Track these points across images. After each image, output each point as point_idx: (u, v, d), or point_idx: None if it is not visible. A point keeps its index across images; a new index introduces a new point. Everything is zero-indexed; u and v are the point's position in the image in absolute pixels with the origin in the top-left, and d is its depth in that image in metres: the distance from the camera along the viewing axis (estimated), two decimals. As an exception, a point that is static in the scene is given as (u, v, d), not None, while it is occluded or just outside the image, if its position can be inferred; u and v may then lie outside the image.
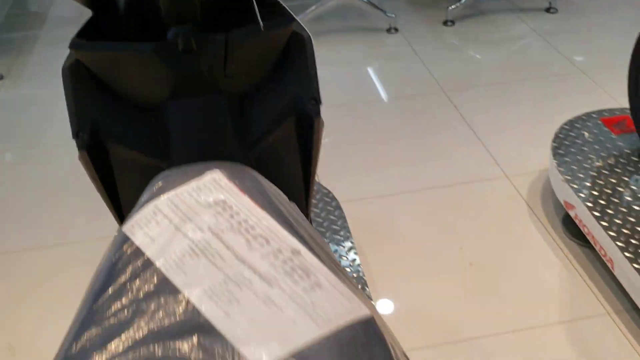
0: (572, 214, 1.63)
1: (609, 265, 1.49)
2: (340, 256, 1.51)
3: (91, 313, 0.43)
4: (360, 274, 1.47)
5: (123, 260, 0.47)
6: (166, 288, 0.44)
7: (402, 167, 2.02)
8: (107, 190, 0.91)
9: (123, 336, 0.41)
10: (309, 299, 0.44)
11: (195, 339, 0.40)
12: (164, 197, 0.52)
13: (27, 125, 2.38)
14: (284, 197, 0.61)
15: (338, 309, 0.43)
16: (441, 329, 1.48)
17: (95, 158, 0.87)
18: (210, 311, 0.42)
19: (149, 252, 0.47)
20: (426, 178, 1.96)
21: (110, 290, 0.45)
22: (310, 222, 1.16)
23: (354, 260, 1.51)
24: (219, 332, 0.40)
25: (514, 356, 1.40)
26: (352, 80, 2.59)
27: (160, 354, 0.39)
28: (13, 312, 1.59)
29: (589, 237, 1.56)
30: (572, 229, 1.70)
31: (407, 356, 0.48)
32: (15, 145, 2.28)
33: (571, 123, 1.83)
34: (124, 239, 0.49)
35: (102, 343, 0.40)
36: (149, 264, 0.46)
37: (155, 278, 0.45)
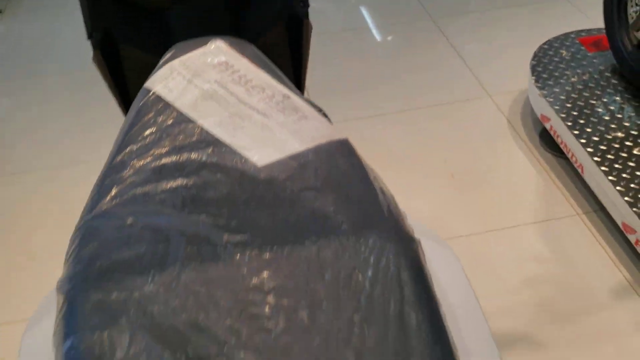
0: (547, 126, 1.75)
1: (579, 170, 1.61)
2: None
3: (125, 141, 0.55)
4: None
5: (147, 105, 0.58)
6: (183, 120, 0.56)
7: (391, 90, 2.12)
8: (119, 89, 1.02)
9: (152, 151, 0.53)
10: (296, 127, 0.55)
11: (209, 149, 0.52)
12: (176, 60, 0.63)
13: (26, 57, 2.46)
14: (277, 69, 0.71)
15: (319, 132, 0.55)
16: (428, 228, 1.61)
17: (108, 58, 0.97)
18: (219, 133, 0.54)
19: (168, 98, 0.58)
20: (413, 99, 2.07)
21: (138, 125, 0.56)
22: None
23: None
24: (227, 144, 0.52)
25: (491, 252, 1.54)
26: (340, 9, 2.67)
27: (182, 159, 0.51)
28: (32, 219, 1.72)
29: (562, 147, 1.69)
30: (548, 142, 1.82)
31: (391, 194, 0.58)
32: (15, 78, 2.37)
33: (550, 43, 1.93)
34: (146, 92, 0.60)
35: (138, 155, 0.52)
36: (168, 105, 0.58)
37: (174, 113, 0.56)
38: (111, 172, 0.52)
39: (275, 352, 0.38)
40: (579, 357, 1.30)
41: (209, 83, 0.60)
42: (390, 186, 1.84)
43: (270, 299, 0.40)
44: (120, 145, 0.55)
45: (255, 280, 0.41)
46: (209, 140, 0.53)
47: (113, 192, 0.49)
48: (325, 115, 0.62)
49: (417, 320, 0.38)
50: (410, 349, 0.37)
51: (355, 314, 0.39)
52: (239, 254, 0.42)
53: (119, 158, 0.53)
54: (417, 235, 0.56)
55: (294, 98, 0.59)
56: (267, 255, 0.42)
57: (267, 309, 0.39)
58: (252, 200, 0.47)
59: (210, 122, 0.55)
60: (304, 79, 1.20)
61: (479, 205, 1.67)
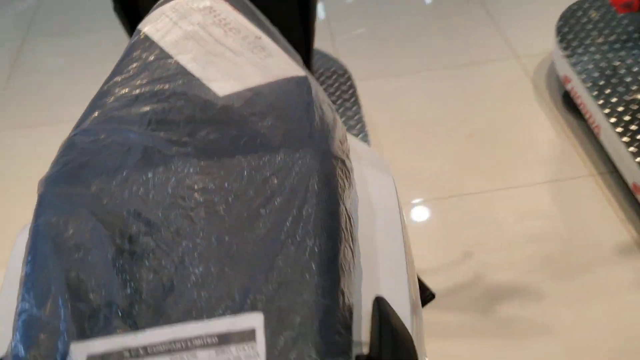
0: (568, 87, 1.75)
1: (595, 132, 1.62)
2: (350, 126, 1.68)
3: (113, 73, 0.63)
4: (366, 136, 1.65)
5: (136, 43, 0.66)
6: (164, 57, 0.63)
7: (415, 49, 2.14)
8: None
9: (132, 82, 0.61)
10: (262, 63, 0.62)
11: (180, 81, 0.59)
12: (167, 5, 0.70)
13: (65, 16, 2.59)
14: (266, 19, 0.78)
15: (281, 69, 0.62)
16: (438, 186, 1.66)
17: (127, 9, 1.05)
18: (192, 67, 0.61)
19: (155, 37, 0.66)
20: (437, 59, 2.09)
21: (126, 60, 0.64)
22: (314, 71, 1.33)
23: (362, 128, 1.68)
24: (197, 77, 0.60)
25: (500, 209, 1.58)
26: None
27: (155, 89, 0.59)
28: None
29: (580, 108, 1.69)
30: (570, 105, 1.82)
31: (332, 121, 0.64)
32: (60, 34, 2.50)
33: (579, 3, 1.91)
34: (137, 32, 0.68)
35: (120, 85, 0.60)
36: (153, 44, 0.65)
37: (157, 51, 0.64)
38: (97, 99, 0.60)
39: (193, 233, 0.46)
40: (571, 311, 1.34)
41: (192, 25, 0.67)
42: (406, 144, 1.89)
43: (197, 195, 0.48)
44: (109, 77, 0.63)
45: (188, 182, 0.49)
46: (181, 74, 0.60)
47: (95, 114, 0.57)
48: (306, 62, 0.68)
49: (313, 234, 0.45)
50: (299, 241, 0.44)
51: (262, 208, 0.46)
52: (181, 162, 0.50)
53: (105, 87, 0.61)
54: (360, 160, 0.62)
55: (265, 39, 0.66)
56: (203, 163, 0.50)
57: (192, 203, 0.48)
58: (207, 122, 0.55)
59: (186, 58, 0.63)
60: (313, 31, 1.25)
61: (494, 164, 1.70)
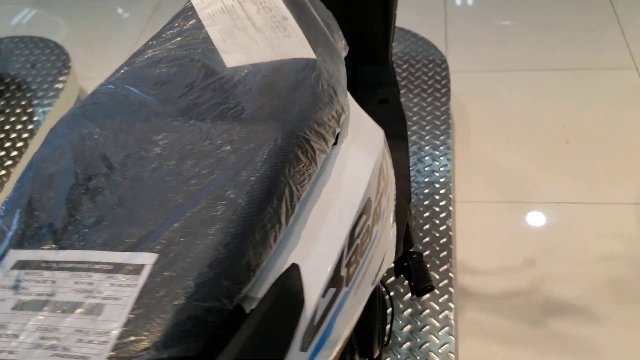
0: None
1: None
2: (434, 116, 1.68)
3: (154, 37, 0.72)
4: (448, 128, 1.64)
5: (182, 11, 0.75)
6: (197, 26, 0.71)
7: (530, 45, 2.06)
8: None
9: (163, 46, 0.69)
10: (277, 42, 0.68)
11: (200, 49, 0.67)
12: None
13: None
14: (326, 12, 0.82)
15: (293, 50, 0.67)
16: (520, 189, 1.62)
17: None
18: (215, 39, 0.69)
19: (197, 7, 0.74)
20: (551, 59, 2.00)
21: (167, 26, 0.73)
22: (392, 65, 1.35)
23: (446, 120, 1.68)
24: (216, 47, 0.67)
25: (582, 223, 1.52)
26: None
27: (177, 54, 0.67)
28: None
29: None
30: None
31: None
32: None
33: None
34: (187, 1, 0.77)
35: (153, 47, 0.69)
36: (194, 13, 0.73)
37: (194, 20, 0.72)
38: (131, 57, 0.70)
39: (137, 180, 0.53)
40: (627, 338, 1.27)
41: (233, 1, 0.74)
42: (497, 141, 1.84)
43: (157, 149, 0.55)
44: (150, 38, 0.73)
45: (156, 136, 0.56)
46: (205, 43, 0.68)
47: (122, 70, 0.67)
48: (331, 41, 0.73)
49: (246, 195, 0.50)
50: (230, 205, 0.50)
51: (206, 170, 0.53)
52: (160, 119, 0.58)
53: (142, 47, 0.70)
54: (354, 143, 0.66)
55: (290, 21, 0.71)
56: (177, 123, 0.57)
57: (150, 154, 0.55)
58: (202, 88, 0.62)
59: (214, 29, 0.70)
60: (393, 18, 1.27)
61: (584, 176, 1.63)
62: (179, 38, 0.70)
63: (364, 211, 0.61)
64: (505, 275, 1.45)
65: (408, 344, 1.22)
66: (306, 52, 0.67)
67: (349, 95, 0.83)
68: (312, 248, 0.55)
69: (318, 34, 0.74)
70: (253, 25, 0.70)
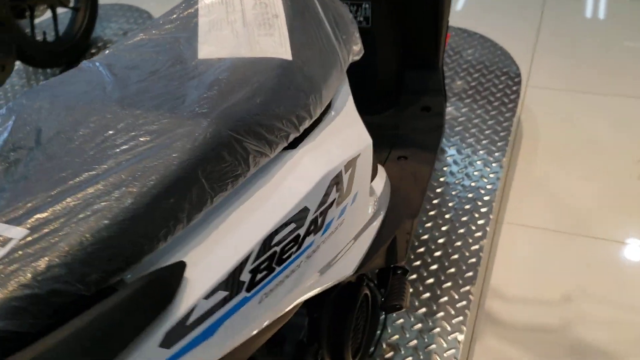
0: None
1: None
2: (494, 131, 1.60)
3: (157, 20, 0.75)
4: (505, 145, 1.56)
5: (187, 1, 0.77)
6: (193, 15, 0.73)
7: (609, 69, 1.91)
8: None
9: (157, 31, 0.72)
10: (257, 39, 0.68)
11: (184, 37, 0.69)
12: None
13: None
14: (339, 12, 0.81)
15: (270, 49, 0.67)
16: (575, 220, 1.52)
17: None
18: (202, 28, 0.70)
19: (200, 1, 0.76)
20: (630, 85, 1.84)
21: (171, 12, 0.76)
22: (442, 69, 1.31)
23: (505, 137, 1.59)
24: (198, 37, 0.69)
25: (633, 267, 1.40)
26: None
27: (163, 40, 0.69)
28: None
29: None
30: None
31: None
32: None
33: None
34: None
35: (149, 31, 0.72)
36: (196, 2, 0.75)
37: (192, 9, 0.74)
38: (126, 37, 0.73)
39: (52, 155, 0.56)
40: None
41: (234, -6, 0.75)
42: (564, 165, 1.73)
43: (85, 130, 0.58)
44: (152, 23, 0.75)
45: (94, 117, 0.59)
46: (190, 32, 0.70)
47: (111, 49, 0.70)
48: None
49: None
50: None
51: (123, 155, 0.54)
52: (103, 102, 0.60)
53: (137, 31, 0.73)
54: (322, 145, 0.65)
55: (281, 19, 0.71)
56: (120, 106, 0.59)
57: (78, 134, 0.57)
58: (164, 76, 0.63)
59: (205, 20, 0.71)
60: (444, 24, 1.23)
61: (649, 216, 1.49)
62: (171, 25, 0.72)
63: (293, 220, 0.60)
64: (538, 307, 1.37)
65: (415, 342, 1.19)
66: (282, 52, 0.66)
67: (350, 99, 0.82)
68: (213, 249, 0.55)
69: (313, 36, 0.73)
70: (243, 19, 0.71)
